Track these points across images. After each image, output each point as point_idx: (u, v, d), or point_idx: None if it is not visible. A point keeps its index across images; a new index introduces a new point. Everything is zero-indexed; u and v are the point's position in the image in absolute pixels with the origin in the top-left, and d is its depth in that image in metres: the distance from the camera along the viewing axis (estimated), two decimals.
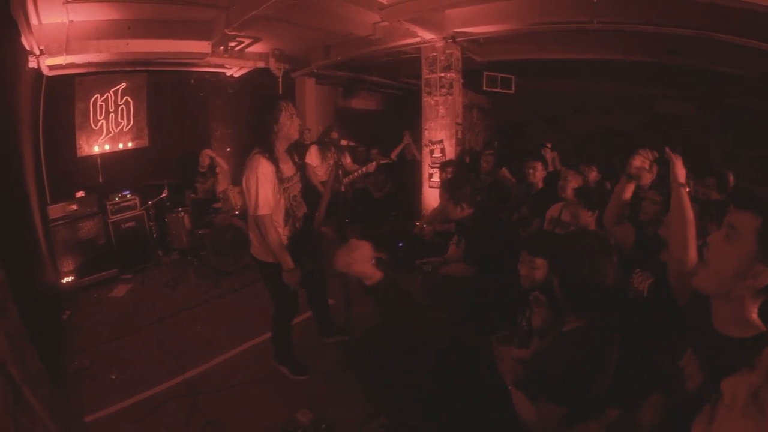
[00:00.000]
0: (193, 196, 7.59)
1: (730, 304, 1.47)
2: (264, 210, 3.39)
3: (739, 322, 1.45)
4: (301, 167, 3.85)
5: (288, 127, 3.48)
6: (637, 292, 2.62)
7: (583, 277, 2.01)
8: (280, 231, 3.54)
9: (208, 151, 7.99)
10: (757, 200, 1.46)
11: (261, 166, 3.37)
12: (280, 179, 3.49)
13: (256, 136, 3.51)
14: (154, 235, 7.26)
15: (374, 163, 5.44)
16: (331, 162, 4.11)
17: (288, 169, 3.62)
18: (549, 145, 6.80)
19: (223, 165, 7.82)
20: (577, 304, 2.06)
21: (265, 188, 3.38)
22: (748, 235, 1.40)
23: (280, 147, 3.54)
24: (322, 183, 6.18)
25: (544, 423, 1.92)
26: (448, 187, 4.22)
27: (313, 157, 6.50)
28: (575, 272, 2.03)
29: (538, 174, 5.48)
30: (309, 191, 4.13)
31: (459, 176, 4.88)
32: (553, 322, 2.49)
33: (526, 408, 2.03)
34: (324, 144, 6.60)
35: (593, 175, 5.34)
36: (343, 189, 4.12)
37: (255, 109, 3.64)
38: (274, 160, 3.45)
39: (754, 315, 1.45)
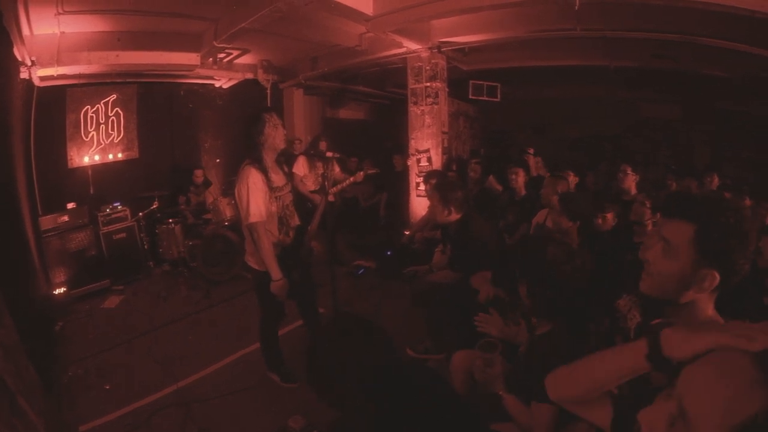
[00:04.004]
0: (183, 207, 7.64)
1: (682, 308, 1.41)
2: (255, 218, 3.44)
3: (696, 322, 1.39)
4: (289, 177, 3.90)
5: (273, 137, 3.54)
6: (625, 326, 2.57)
7: (546, 284, 2.11)
8: (273, 240, 3.58)
9: (199, 171, 8.21)
10: (686, 205, 1.40)
11: (251, 176, 3.44)
12: (271, 188, 3.55)
13: (246, 149, 3.58)
14: (145, 247, 7.28)
15: (362, 173, 5.52)
16: (320, 172, 4.15)
17: (279, 179, 3.68)
18: (531, 151, 6.89)
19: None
20: (543, 309, 2.15)
21: (255, 197, 3.43)
22: (684, 245, 1.35)
23: (269, 157, 3.59)
24: (312, 192, 6.24)
25: (539, 424, 1.97)
26: (439, 188, 4.25)
27: (300, 167, 6.55)
28: (539, 280, 2.12)
29: (520, 180, 5.52)
30: (298, 201, 4.19)
31: (450, 180, 4.90)
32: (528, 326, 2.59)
33: (520, 411, 2.09)
34: (311, 155, 6.66)
35: (571, 178, 5.36)
36: (331, 198, 4.17)
37: (243, 123, 3.71)
38: (264, 170, 3.51)
39: (711, 311, 1.41)
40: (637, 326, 2.37)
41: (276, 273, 3.51)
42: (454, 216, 4.12)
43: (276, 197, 3.61)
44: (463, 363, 2.59)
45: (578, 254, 2.17)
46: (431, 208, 4.54)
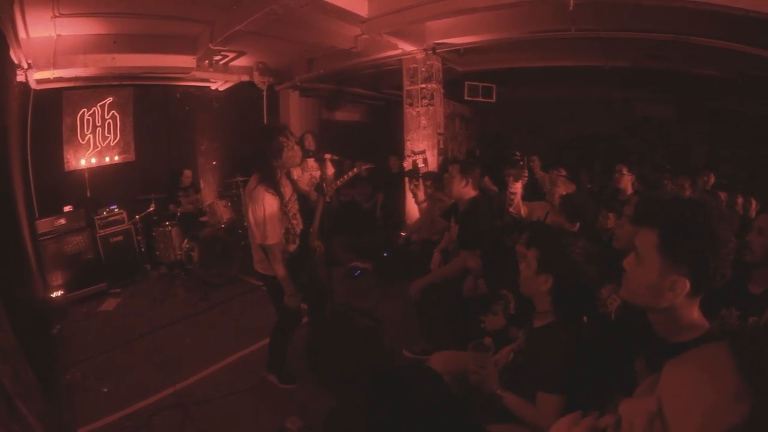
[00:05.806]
0: (179, 210, 7.64)
1: (663, 313, 1.40)
2: (273, 240, 3.48)
3: (681, 327, 1.37)
4: (295, 184, 3.91)
5: (291, 160, 3.58)
6: (606, 311, 2.60)
7: (574, 282, 2.13)
8: (280, 248, 3.60)
9: (188, 172, 8.21)
10: (649, 212, 1.41)
11: (267, 200, 3.44)
12: (283, 205, 3.58)
13: (258, 167, 3.59)
14: (142, 249, 7.29)
15: (356, 169, 5.54)
16: (314, 173, 4.15)
17: (288, 190, 3.71)
18: (518, 154, 6.90)
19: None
20: (562, 304, 2.16)
21: (273, 219, 3.46)
22: (651, 253, 1.35)
23: (281, 173, 3.63)
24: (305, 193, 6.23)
25: (546, 416, 1.95)
26: (460, 162, 4.27)
27: (293, 170, 6.53)
28: (568, 277, 2.13)
29: None
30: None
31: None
32: (522, 318, 2.62)
33: (521, 407, 2.10)
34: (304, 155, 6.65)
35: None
36: (328, 199, 4.16)
37: (254, 140, 3.68)
38: (279, 195, 3.53)
39: (696, 315, 1.38)
40: (617, 308, 2.46)
41: (290, 288, 3.59)
42: (470, 191, 4.15)
43: (285, 212, 3.64)
44: (440, 366, 2.57)
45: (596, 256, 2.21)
46: (448, 181, 4.50)
